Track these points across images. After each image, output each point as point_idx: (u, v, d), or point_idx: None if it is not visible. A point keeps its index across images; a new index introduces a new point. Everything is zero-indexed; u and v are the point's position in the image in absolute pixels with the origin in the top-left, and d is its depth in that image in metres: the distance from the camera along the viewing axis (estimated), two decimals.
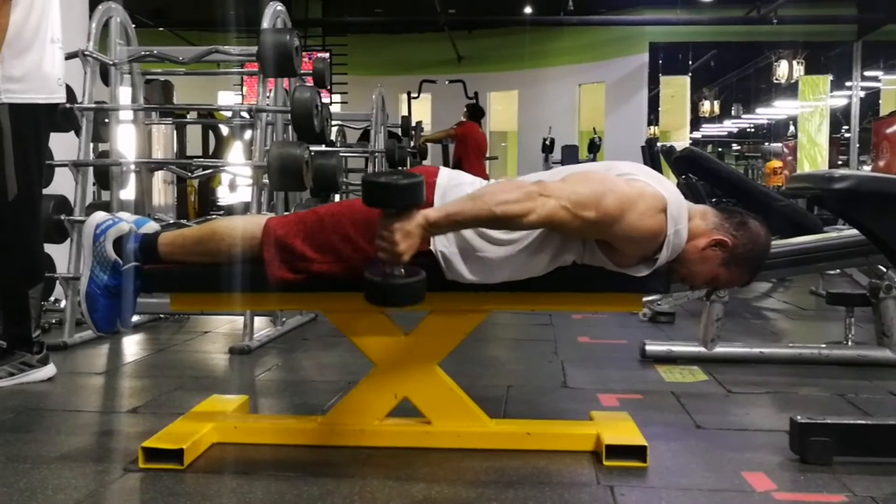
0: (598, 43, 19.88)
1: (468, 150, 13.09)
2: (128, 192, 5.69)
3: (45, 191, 5.06)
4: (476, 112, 13.68)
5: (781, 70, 20.23)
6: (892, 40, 19.37)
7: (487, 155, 18.25)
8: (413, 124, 12.92)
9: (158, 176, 8.80)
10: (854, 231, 4.43)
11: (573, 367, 4.51)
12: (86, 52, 5.26)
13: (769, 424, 3.41)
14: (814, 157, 19.80)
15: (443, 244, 2.76)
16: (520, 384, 4.12)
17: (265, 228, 2.86)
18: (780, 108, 28.33)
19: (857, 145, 20.60)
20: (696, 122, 29.45)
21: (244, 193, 11.45)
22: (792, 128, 26.16)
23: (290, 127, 5.57)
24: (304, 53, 5.43)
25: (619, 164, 2.88)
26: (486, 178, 12.00)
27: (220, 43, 5.84)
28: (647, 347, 4.65)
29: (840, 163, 22.29)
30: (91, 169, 5.51)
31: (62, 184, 5.30)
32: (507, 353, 5.00)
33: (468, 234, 2.75)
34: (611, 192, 2.64)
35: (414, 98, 17.81)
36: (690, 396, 3.83)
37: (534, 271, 2.79)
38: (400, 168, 2.60)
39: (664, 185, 2.77)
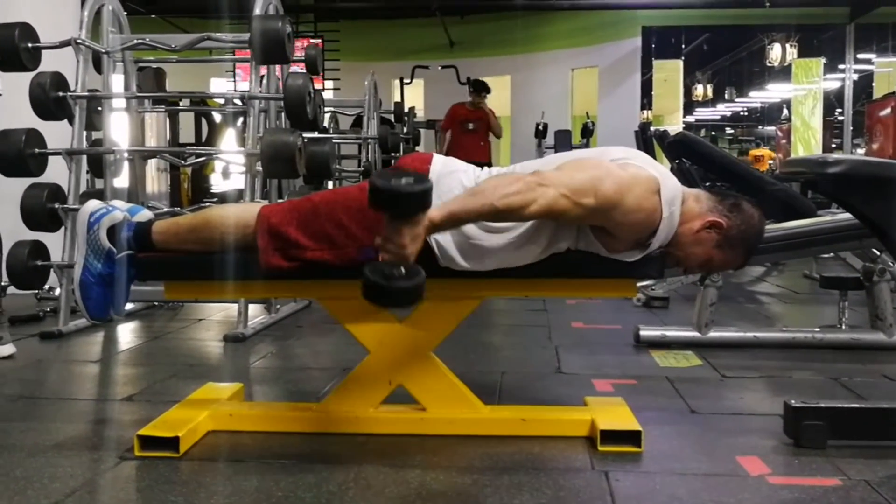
0: (591, 27, 19.81)
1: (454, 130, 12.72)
2: (121, 181, 5.68)
3: (39, 179, 5.08)
4: (476, 87, 12.90)
5: (774, 53, 20.20)
6: (885, 23, 19.35)
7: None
8: (406, 110, 12.90)
9: (152, 164, 8.79)
10: (848, 215, 4.43)
11: (567, 352, 4.52)
12: (78, 41, 5.25)
13: (763, 408, 3.42)
14: (808, 140, 19.77)
15: None
16: (514, 370, 4.12)
17: (259, 216, 2.86)
18: (773, 92, 28.35)
19: (851, 128, 20.58)
20: (689, 107, 29.46)
21: (237, 181, 11.45)
22: (785, 111, 26.18)
23: (282, 114, 5.56)
24: (296, 40, 5.41)
25: (612, 149, 2.89)
26: (487, 156, 11.59)
27: (212, 30, 5.82)
28: (642, 332, 4.66)
29: (834, 146, 22.27)
30: (84, 157, 5.51)
31: (56, 172, 5.29)
32: (501, 339, 5.01)
33: None
34: (608, 177, 2.65)
35: (406, 84, 17.76)
36: (685, 381, 3.84)
37: (528, 258, 2.79)
38: (400, 169, 2.55)
39: (658, 169, 2.78)
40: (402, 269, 2.48)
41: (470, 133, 12.41)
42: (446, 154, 11.60)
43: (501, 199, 2.54)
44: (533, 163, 2.96)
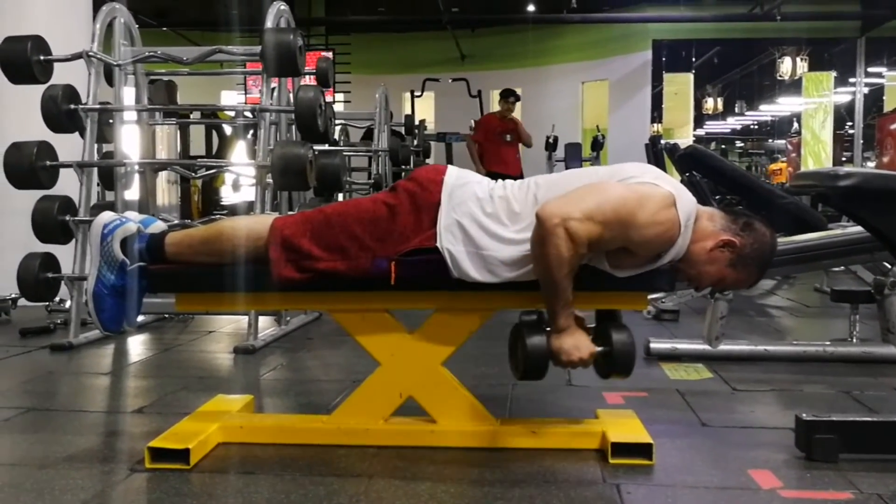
0: (601, 40, 19.83)
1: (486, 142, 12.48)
2: (132, 193, 5.69)
3: (51, 192, 5.09)
4: (504, 94, 12.69)
5: (785, 67, 20.20)
6: None
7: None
8: (416, 123, 12.90)
9: (162, 176, 8.80)
10: (858, 228, 4.42)
11: None
12: (90, 53, 5.27)
13: (774, 422, 3.41)
14: (818, 153, 19.73)
15: (450, 242, 2.77)
16: (525, 383, 4.10)
17: (272, 228, 2.86)
18: (783, 105, 28.28)
19: (861, 142, 20.54)
20: (699, 120, 29.39)
21: (248, 193, 11.46)
22: (796, 124, 26.12)
23: (293, 126, 5.57)
24: (307, 53, 5.42)
25: (625, 167, 2.89)
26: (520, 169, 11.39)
27: (223, 43, 5.84)
28: (652, 345, 4.65)
29: (844, 159, 22.22)
30: (95, 169, 5.52)
31: (67, 184, 5.31)
32: None
33: (475, 232, 2.77)
34: (613, 197, 2.68)
35: (417, 97, 17.79)
36: (695, 394, 3.83)
37: None
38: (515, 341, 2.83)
39: (672, 185, 2.78)
40: (600, 353, 2.83)
41: (507, 145, 12.30)
42: (482, 166, 11.53)
43: (555, 271, 2.65)
44: (549, 177, 2.96)
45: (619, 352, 2.82)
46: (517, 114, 12.90)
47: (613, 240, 2.69)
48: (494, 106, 20.65)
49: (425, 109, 19.10)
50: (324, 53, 15.65)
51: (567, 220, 2.58)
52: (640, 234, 2.68)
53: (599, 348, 2.81)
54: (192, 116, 10.78)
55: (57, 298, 5.64)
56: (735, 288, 3.23)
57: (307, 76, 5.98)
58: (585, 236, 2.60)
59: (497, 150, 12.16)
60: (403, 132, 12.32)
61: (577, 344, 2.74)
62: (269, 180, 5.13)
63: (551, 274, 2.64)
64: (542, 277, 2.70)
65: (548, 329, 2.79)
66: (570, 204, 2.64)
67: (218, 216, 8.99)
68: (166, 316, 5.91)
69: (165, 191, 9.91)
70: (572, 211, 2.60)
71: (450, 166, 2.99)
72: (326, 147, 6.39)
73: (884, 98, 21.46)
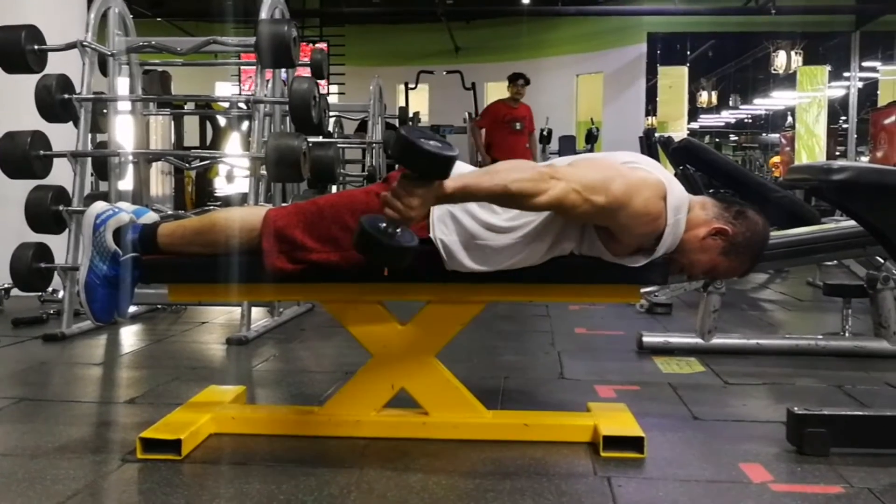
0: (596, 33, 19.83)
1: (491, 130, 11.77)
2: (126, 183, 5.68)
3: (44, 181, 5.09)
4: (513, 78, 11.87)
5: (779, 60, 20.20)
6: (890, 30, 19.32)
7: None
8: (410, 115, 12.90)
9: (156, 167, 8.79)
10: (852, 222, 4.43)
11: (570, 358, 4.52)
12: (84, 43, 5.26)
13: (766, 416, 3.42)
14: (812, 147, 19.76)
15: (442, 232, 2.77)
16: (517, 375, 4.12)
17: (265, 219, 2.86)
18: (777, 99, 28.35)
19: (855, 136, 20.57)
20: (693, 113, 29.47)
21: (242, 184, 11.45)
22: (790, 118, 26.15)
23: (287, 118, 5.56)
24: (301, 44, 5.42)
25: (619, 154, 2.89)
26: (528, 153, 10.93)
27: (217, 34, 5.85)
28: (645, 339, 4.66)
29: (838, 153, 22.26)
30: (89, 159, 5.51)
31: (60, 174, 5.30)
32: (504, 344, 5.00)
33: (468, 222, 2.76)
34: (619, 178, 2.66)
35: (411, 89, 17.80)
36: (687, 388, 3.84)
37: (532, 259, 2.79)
38: (429, 131, 2.52)
39: (665, 175, 2.78)
40: (399, 230, 2.49)
41: (516, 133, 11.62)
42: (488, 155, 11.15)
43: (515, 183, 2.55)
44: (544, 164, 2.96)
45: (392, 247, 2.48)
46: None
47: (597, 217, 2.68)
48: (490, 97, 20.68)
49: (419, 101, 19.12)
50: (318, 45, 15.62)
51: (567, 184, 2.58)
52: (627, 218, 2.66)
53: (411, 238, 2.52)
54: (186, 107, 10.78)
55: (50, 288, 5.64)
56: (727, 276, 3.22)
57: (301, 67, 5.97)
58: (564, 203, 2.58)
59: (504, 138, 11.54)
60: (397, 124, 12.31)
61: (424, 202, 2.50)
62: (263, 172, 5.13)
63: (508, 181, 2.54)
64: (498, 174, 2.58)
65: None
66: (577, 174, 2.64)
67: (212, 207, 8.99)
68: (159, 306, 5.90)
69: (159, 181, 9.90)
70: (575, 180, 2.59)
71: None
72: (320, 139, 6.40)
73: (878, 92, 21.46)
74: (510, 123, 11.55)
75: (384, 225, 2.48)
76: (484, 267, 2.79)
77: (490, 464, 2.76)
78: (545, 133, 16.37)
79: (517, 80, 11.66)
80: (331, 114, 8.76)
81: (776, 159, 26.29)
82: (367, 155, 10.11)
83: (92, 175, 6.22)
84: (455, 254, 2.78)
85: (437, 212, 2.79)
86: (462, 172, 2.65)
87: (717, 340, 4.57)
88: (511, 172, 2.59)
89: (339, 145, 8.48)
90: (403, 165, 2.50)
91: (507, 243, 2.77)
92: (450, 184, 2.52)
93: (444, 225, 2.78)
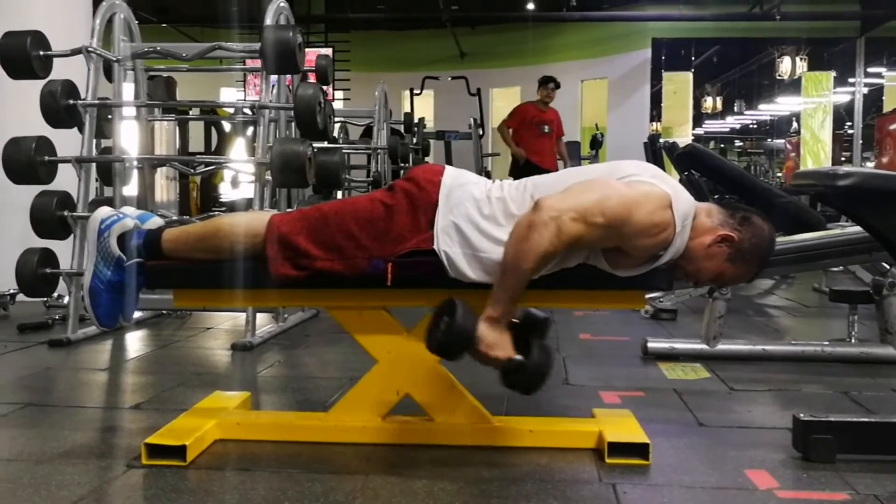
0: (601, 39, 19.85)
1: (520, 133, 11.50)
2: (130, 189, 5.69)
3: (49, 187, 5.09)
4: (544, 81, 11.74)
5: (784, 66, 20.21)
6: (895, 37, 19.34)
7: (489, 151, 18.19)
8: (415, 121, 12.90)
9: (161, 172, 8.78)
10: (857, 228, 4.43)
11: (575, 364, 4.51)
12: (89, 49, 5.26)
13: (772, 422, 3.41)
14: (817, 153, 19.72)
15: (446, 244, 2.76)
16: None
17: (269, 225, 2.86)
18: (782, 105, 28.28)
19: (861, 142, 20.56)
20: (698, 119, 29.36)
21: (246, 190, 11.46)
22: (795, 124, 26.12)
23: (292, 123, 5.57)
24: (306, 50, 5.42)
25: (623, 164, 2.88)
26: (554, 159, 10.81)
27: (223, 39, 5.84)
28: (650, 344, 4.65)
29: (843, 159, 22.21)
30: (94, 165, 5.52)
31: (65, 180, 5.31)
32: None
33: (472, 234, 2.76)
34: (614, 195, 2.66)
35: (416, 94, 17.79)
36: (693, 394, 3.83)
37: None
38: (438, 315, 2.69)
39: (670, 184, 2.78)
40: (517, 360, 2.67)
41: (544, 136, 11.48)
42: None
43: (527, 262, 2.60)
44: (545, 177, 2.96)
45: (531, 371, 2.70)
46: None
47: (606, 239, 2.68)
48: (495, 103, 20.70)
49: (425, 107, 19.10)
50: (323, 51, 15.63)
51: (562, 215, 2.57)
52: (635, 234, 2.67)
53: (517, 357, 2.69)
54: (191, 113, 10.77)
55: (55, 294, 5.64)
56: (734, 283, 3.22)
57: (307, 73, 5.97)
58: (573, 236, 2.59)
59: (532, 140, 11.37)
60: (403, 130, 12.30)
61: (500, 342, 2.66)
62: (268, 177, 5.13)
63: (521, 261, 2.60)
64: (510, 262, 2.64)
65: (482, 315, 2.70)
66: (569, 200, 2.63)
67: (216, 213, 8.99)
68: (164, 312, 5.91)
69: (164, 187, 9.92)
70: (569, 208, 2.59)
71: (447, 166, 2.98)
72: (325, 144, 6.39)
73: (883, 98, 21.45)
74: (539, 126, 11.42)
75: (507, 367, 2.71)
76: (486, 279, 2.78)
77: (495, 470, 2.75)
78: None
79: (548, 84, 11.56)
80: (336, 119, 8.75)
81: (791, 164, 26.24)
82: (372, 161, 10.09)
83: (97, 181, 6.22)
84: (458, 265, 2.77)
85: (442, 223, 2.79)
86: (467, 194, 2.81)
87: (722, 346, 4.56)
88: (517, 254, 2.62)
89: (344, 151, 8.46)
90: (451, 358, 2.76)
91: None
92: (494, 313, 2.66)
93: (447, 237, 2.78)
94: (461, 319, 2.60)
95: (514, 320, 2.79)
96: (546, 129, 11.46)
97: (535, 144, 11.32)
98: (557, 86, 11.67)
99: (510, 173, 11.19)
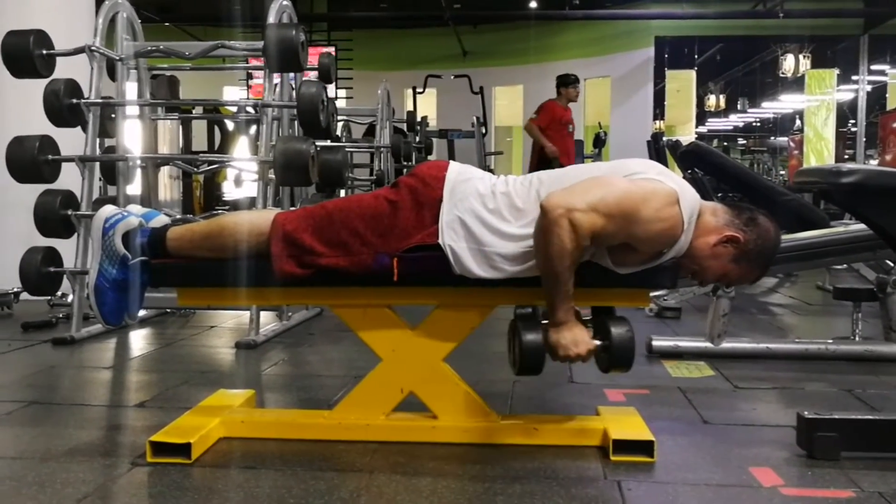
0: (604, 37, 19.85)
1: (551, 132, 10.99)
2: (134, 188, 5.69)
3: (52, 186, 5.09)
4: (559, 81, 11.32)
5: (787, 64, 20.20)
6: None
7: (493, 149, 18.17)
8: (418, 119, 12.90)
9: (164, 171, 8.78)
10: (861, 226, 4.42)
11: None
12: (92, 48, 5.26)
13: (776, 420, 3.41)
14: (820, 151, 19.74)
15: (451, 238, 2.76)
16: (526, 379, 4.08)
17: (273, 223, 2.86)
18: (786, 103, 28.29)
19: (864, 139, 20.57)
20: (701, 117, 29.42)
21: (250, 188, 11.47)
22: (798, 122, 26.12)
23: (295, 122, 5.57)
24: (309, 48, 5.42)
25: (628, 162, 2.89)
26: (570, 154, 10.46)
27: (225, 38, 5.85)
28: (654, 343, 4.65)
29: (847, 157, 22.22)
30: (97, 164, 5.52)
31: (69, 179, 5.31)
32: None
33: (477, 228, 2.76)
34: (620, 191, 2.66)
35: (419, 93, 17.80)
36: (697, 392, 3.83)
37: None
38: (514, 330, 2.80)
39: (676, 181, 2.78)
40: (601, 344, 2.81)
41: (568, 136, 11.14)
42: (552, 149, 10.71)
43: (559, 263, 2.63)
44: (551, 172, 2.96)
45: (618, 345, 2.81)
46: (518, 111, 12.33)
47: (616, 234, 2.68)
48: (497, 102, 20.70)
49: (427, 106, 19.12)
50: (326, 49, 15.64)
51: (571, 210, 2.58)
52: (644, 230, 2.67)
53: (598, 342, 2.79)
54: (194, 111, 10.78)
55: (59, 293, 5.65)
56: (738, 283, 3.22)
57: (309, 72, 5.97)
58: (589, 227, 2.59)
59: (560, 140, 10.96)
60: (405, 129, 12.31)
61: (576, 339, 2.73)
62: (272, 176, 5.13)
63: (553, 265, 2.63)
64: (543, 269, 2.69)
65: (545, 322, 2.79)
66: (575, 195, 2.64)
67: (220, 211, 9.00)
68: (168, 311, 5.91)
69: (167, 186, 9.90)
70: (576, 202, 2.60)
71: (451, 162, 2.98)
72: (329, 143, 6.39)
73: (886, 96, 21.45)
74: (565, 125, 11.12)
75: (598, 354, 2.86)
76: (491, 274, 2.79)
77: (500, 467, 2.75)
78: None
79: (576, 83, 11.23)
80: (339, 118, 8.76)
81: (795, 162, 26.27)
82: (375, 159, 10.10)
83: (100, 180, 6.23)
84: (463, 260, 2.77)
85: (447, 217, 2.79)
86: (471, 189, 2.84)
87: (726, 344, 4.56)
88: (545, 261, 2.68)
89: (347, 149, 8.47)
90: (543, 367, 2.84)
91: (517, 251, 2.77)
92: (559, 317, 2.74)
93: (453, 231, 2.78)
94: (526, 338, 2.74)
95: (577, 309, 2.86)
96: (570, 128, 11.22)
97: (562, 144, 10.99)
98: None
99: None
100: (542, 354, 2.77)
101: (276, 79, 5.51)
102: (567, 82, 11.15)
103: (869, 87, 20.94)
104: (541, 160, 10.77)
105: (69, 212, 5.11)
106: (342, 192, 7.88)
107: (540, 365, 2.80)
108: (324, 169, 5.37)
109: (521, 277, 2.80)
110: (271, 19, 5.27)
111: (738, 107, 30.66)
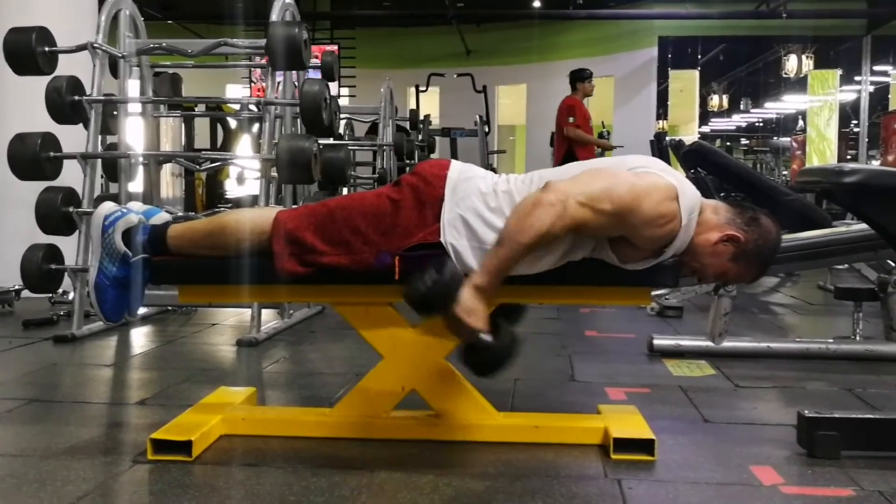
0: (607, 37, 19.85)
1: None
2: (136, 185, 5.70)
3: (54, 183, 5.09)
4: (575, 77, 10.99)
5: (790, 64, 20.21)
6: None
7: (496, 148, 18.17)
8: (421, 118, 12.90)
9: (166, 168, 8.80)
10: (863, 225, 4.42)
11: (581, 360, 4.51)
12: (95, 45, 5.27)
13: (777, 419, 3.41)
14: (823, 151, 19.74)
15: (453, 237, 2.76)
16: (527, 377, 4.11)
17: (275, 221, 2.86)
18: (788, 103, 28.30)
19: (867, 140, 20.56)
20: (704, 117, 29.44)
21: (252, 186, 11.46)
22: (801, 122, 26.12)
23: (298, 120, 5.57)
24: (312, 46, 5.42)
25: (630, 158, 2.89)
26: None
27: (228, 36, 5.85)
28: (655, 341, 4.65)
29: (849, 157, 22.26)
30: (99, 161, 5.53)
31: (71, 176, 5.31)
32: None
33: (479, 227, 2.75)
34: (623, 184, 2.66)
35: (422, 91, 17.80)
36: (698, 390, 3.83)
37: (543, 266, 2.78)
38: (427, 267, 2.64)
39: (676, 177, 2.78)
40: (485, 338, 2.64)
41: (592, 131, 10.94)
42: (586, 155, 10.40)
43: (525, 235, 2.59)
44: (551, 171, 2.95)
45: (495, 353, 2.70)
46: (521, 110, 12.26)
47: (611, 227, 2.68)
48: (500, 101, 20.70)
49: (430, 104, 19.11)
50: (329, 47, 15.64)
51: (570, 199, 2.59)
52: (641, 224, 2.67)
53: (486, 334, 2.65)
54: (196, 109, 10.79)
55: (60, 290, 5.65)
56: (737, 282, 3.22)
57: (312, 70, 5.97)
58: (577, 220, 2.60)
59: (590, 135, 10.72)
60: (408, 127, 12.31)
61: (478, 311, 2.63)
62: (274, 174, 5.13)
63: (519, 234, 2.61)
64: (508, 233, 2.64)
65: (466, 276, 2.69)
66: (578, 186, 2.64)
67: (222, 209, 9.01)
68: (169, 308, 5.91)
69: (169, 183, 9.91)
70: (577, 193, 2.60)
71: (453, 161, 2.98)
72: (331, 141, 6.40)
73: (889, 96, 21.44)
74: (589, 120, 10.85)
75: (476, 343, 2.66)
76: None
77: (500, 466, 2.75)
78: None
79: (591, 77, 10.92)
80: (342, 116, 8.75)
81: (797, 162, 26.29)
82: (377, 157, 10.11)
83: (102, 177, 6.23)
84: (464, 258, 2.77)
85: (448, 216, 2.78)
86: (473, 187, 2.80)
87: (727, 344, 4.56)
88: (517, 227, 2.63)
89: (349, 147, 8.48)
90: (425, 315, 2.71)
91: None
92: (480, 280, 2.64)
93: (454, 229, 2.77)
94: (448, 278, 2.59)
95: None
96: (591, 124, 10.89)
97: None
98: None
99: None
100: (447, 298, 2.59)
101: (279, 77, 5.51)
102: (583, 77, 10.89)
103: (871, 88, 20.92)
104: (567, 159, 9.98)
105: (71, 209, 5.11)
106: (344, 191, 7.88)
107: (437, 307, 2.62)
108: (326, 167, 5.37)
109: (521, 275, 2.79)
110: (274, 17, 5.27)
111: (741, 107, 30.69)
